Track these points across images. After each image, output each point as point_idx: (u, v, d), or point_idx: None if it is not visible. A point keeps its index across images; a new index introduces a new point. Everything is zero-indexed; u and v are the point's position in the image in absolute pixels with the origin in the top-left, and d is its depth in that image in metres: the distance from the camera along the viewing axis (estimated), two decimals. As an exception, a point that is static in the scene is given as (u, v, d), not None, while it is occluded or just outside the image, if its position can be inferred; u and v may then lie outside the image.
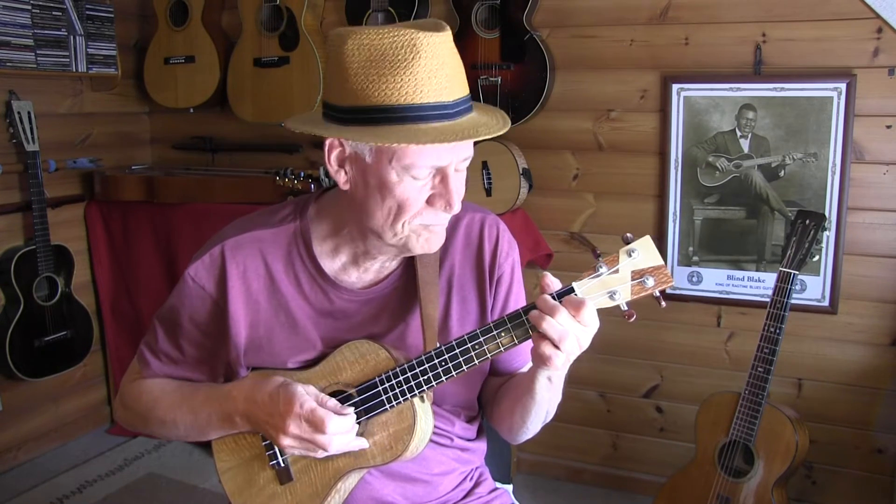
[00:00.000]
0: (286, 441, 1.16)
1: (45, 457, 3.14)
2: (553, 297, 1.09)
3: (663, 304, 1.11)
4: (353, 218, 1.21)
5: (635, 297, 1.09)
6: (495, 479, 1.48)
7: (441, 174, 1.13)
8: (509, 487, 1.53)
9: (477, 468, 1.43)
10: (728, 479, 2.19)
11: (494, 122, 1.13)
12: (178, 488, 2.89)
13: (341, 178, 1.17)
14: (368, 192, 1.15)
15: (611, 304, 1.10)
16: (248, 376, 1.27)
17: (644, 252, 1.08)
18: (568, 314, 1.07)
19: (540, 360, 1.11)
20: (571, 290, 1.10)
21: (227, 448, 1.30)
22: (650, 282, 1.08)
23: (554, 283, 1.10)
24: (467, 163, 1.16)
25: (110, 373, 3.38)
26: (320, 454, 1.18)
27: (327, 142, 1.15)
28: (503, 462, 1.70)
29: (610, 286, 1.09)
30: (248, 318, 1.27)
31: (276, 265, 1.26)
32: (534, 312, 1.09)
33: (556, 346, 1.07)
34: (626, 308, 1.10)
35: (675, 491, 2.30)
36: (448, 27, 1.11)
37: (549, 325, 1.07)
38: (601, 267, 1.09)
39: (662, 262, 1.09)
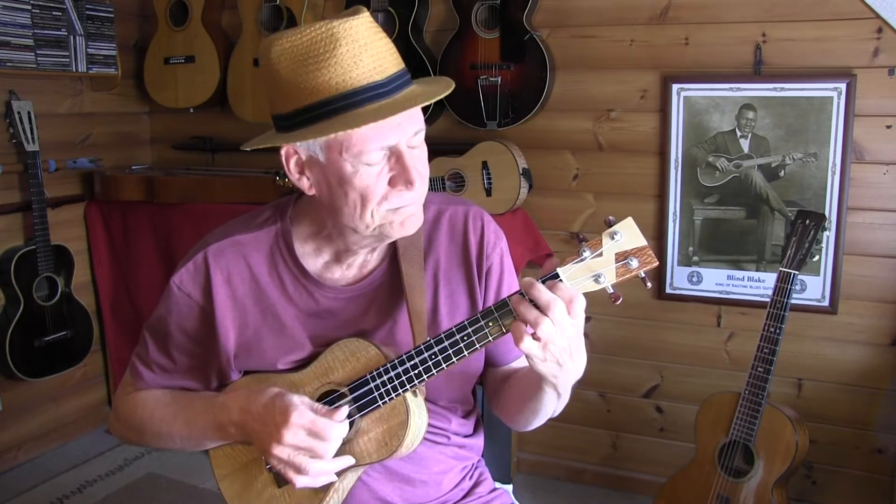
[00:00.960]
0: (279, 450, 1.14)
1: (45, 457, 3.14)
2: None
3: (649, 284, 1.11)
4: (328, 218, 1.21)
5: (620, 279, 1.08)
6: (495, 479, 1.48)
7: (395, 154, 1.12)
8: (509, 487, 1.53)
9: (476, 467, 1.43)
10: (728, 479, 2.19)
11: (434, 90, 1.12)
12: (178, 488, 2.89)
13: (305, 185, 1.18)
14: (332, 191, 1.15)
15: (596, 287, 1.09)
16: (243, 386, 1.27)
17: (627, 234, 1.08)
18: (563, 310, 1.04)
19: (519, 348, 1.07)
20: (556, 276, 1.09)
21: (223, 454, 1.30)
22: (634, 263, 1.07)
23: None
24: (420, 137, 1.15)
25: (110, 373, 3.38)
26: (310, 470, 1.14)
27: (283, 153, 1.16)
28: (503, 462, 1.70)
29: (594, 269, 1.08)
30: (236, 322, 1.27)
31: (260, 268, 1.27)
32: (514, 297, 1.08)
33: (534, 335, 1.05)
34: (612, 291, 1.09)
35: (675, 491, 2.30)
36: (366, 10, 1.10)
37: (527, 308, 1.05)
38: (585, 251, 1.08)
39: (646, 243, 1.08)
